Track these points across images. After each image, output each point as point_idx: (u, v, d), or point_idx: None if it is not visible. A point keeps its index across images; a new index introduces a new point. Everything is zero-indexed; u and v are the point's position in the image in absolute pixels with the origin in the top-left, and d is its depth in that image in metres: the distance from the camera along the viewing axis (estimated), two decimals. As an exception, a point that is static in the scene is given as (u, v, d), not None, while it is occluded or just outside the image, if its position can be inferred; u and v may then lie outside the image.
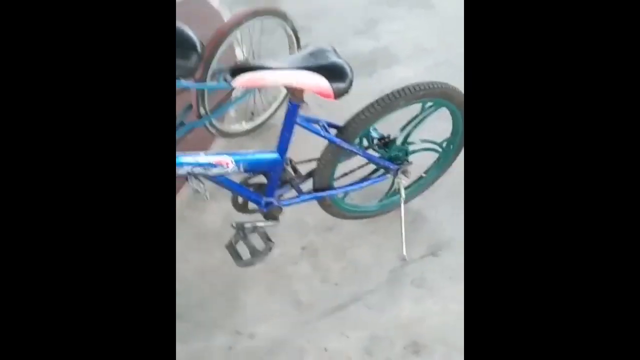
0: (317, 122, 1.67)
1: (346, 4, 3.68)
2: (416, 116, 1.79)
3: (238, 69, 1.37)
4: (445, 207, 2.13)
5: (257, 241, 1.70)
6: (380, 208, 2.03)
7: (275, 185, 1.67)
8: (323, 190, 1.79)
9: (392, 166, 1.81)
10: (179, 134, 2.12)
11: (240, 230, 1.65)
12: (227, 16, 3.64)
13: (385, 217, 2.07)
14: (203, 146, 2.47)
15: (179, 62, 1.80)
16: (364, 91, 2.59)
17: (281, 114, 2.51)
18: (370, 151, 1.81)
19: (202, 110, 2.19)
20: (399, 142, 1.82)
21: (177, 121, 2.14)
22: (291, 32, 2.36)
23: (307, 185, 1.82)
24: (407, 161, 1.85)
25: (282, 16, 2.26)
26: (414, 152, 1.93)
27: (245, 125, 2.50)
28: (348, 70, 1.44)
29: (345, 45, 3.20)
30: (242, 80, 1.35)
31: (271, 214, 1.71)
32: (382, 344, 1.71)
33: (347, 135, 1.65)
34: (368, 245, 2.02)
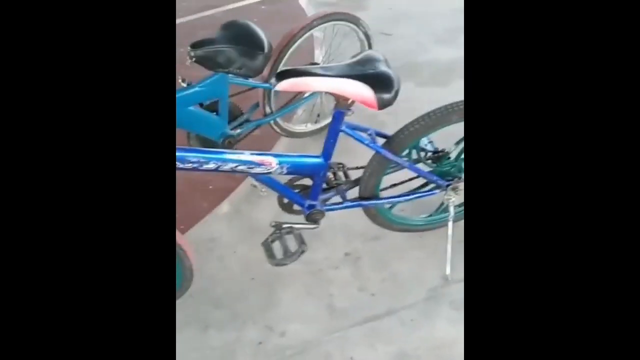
0: (365, 130, 1.66)
1: (431, 11, 3.62)
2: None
3: (284, 73, 1.40)
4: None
5: (291, 242, 1.72)
6: (427, 223, 1.98)
7: (319, 189, 1.69)
8: (368, 199, 1.78)
9: (441, 182, 1.77)
10: (244, 130, 2.21)
11: (278, 230, 1.69)
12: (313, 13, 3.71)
13: (433, 233, 2.02)
14: (268, 144, 2.54)
15: (246, 61, 1.89)
16: (435, 100, 2.54)
17: (348, 118, 2.56)
18: (422, 164, 1.77)
19: (267, 109, 2.26)
20: (452, 157, 1.77)
21: (243, 118, 2.22)
22: (363, 37, 2.36)
23: (354, 193, 1.82)
24: (459, 178, 1.79)
25: (355, 21, 2.28)
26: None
27: (310, 127, 2.54)
28: (395, 80, 1.43)
29: (425, 53, 3.15)
30: (286, 85, 1.38)
31: (312, 217, 1.73)
32: (409, 362, 1.68)
33: (394, 146, 1.63)
34: (412, 259, 1.98)
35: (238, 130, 2.19)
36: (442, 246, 1.93)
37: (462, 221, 2.02)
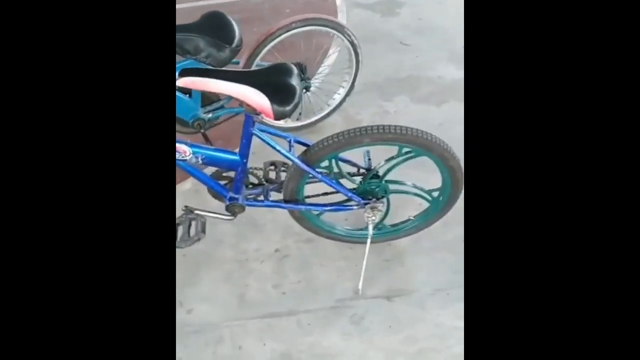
0: (285, 137, 1.73)
1: (460, 28, 3.55)
2: (392, 158, 1.75)
3: (189, 71, 1.50)
4: (427, 258, 2.04)
5: (194, 229, 1.83)
6: (348, 235, 2.02)
7: (240, 184, 1.78)
8: (289, 202, 1.85)
9: (357, 199, 1.80)
10: (216, 115, 2.32)
11: (186, 214, 1.80)
12: (343, 14, 3.75)
13: (371, 248, 2.04)
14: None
15: (213, 52, 2.00)
16: (421, 120, 2.56)
17: (333, 121, 2.62)
18: (346, 180, 1.81)
19: (241, 100, 2.36)
20: (380, 174, 1.79)
21: (218, 104, 2.34)
22: (349, 45, 2.40)
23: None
24: (379, 199, 1.82)
25: (339, 28, 2.31)
26: (397, 192, 1.88)
27: (290, 124, 2.62)
28: (296, 95, 1.48)
29: (432, 69, 3.12)
30: (186, 81, 1.47)
31: (230, 209, 1.82)
32: (290, 363, 1.75)
33: (309, 158, 1.69)
34: (333, 268, 2.03)
35: (210, 115, 2.31)
36: (370, 261, 1.97)
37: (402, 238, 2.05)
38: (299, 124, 2.64)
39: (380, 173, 1.80)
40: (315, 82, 2.65)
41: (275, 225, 2.21)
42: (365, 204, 1.81)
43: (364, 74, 3.06)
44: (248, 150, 1.68)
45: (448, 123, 2.65)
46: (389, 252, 2.07)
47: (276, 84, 1.49)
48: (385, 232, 2.04)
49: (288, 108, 1.47)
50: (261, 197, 1.87)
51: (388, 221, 2.04)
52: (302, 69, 2.43)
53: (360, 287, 1.92)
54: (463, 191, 1.81)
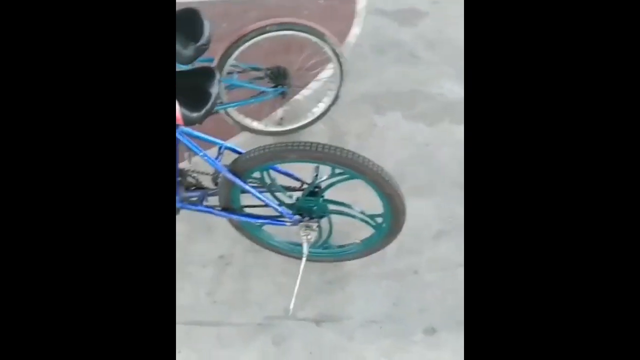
0: (216, 144, 1.67)
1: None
2: (328, 177, 1.65)
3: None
4: (371, 286, 1.93)
5: None
6: (288, 249, 1.94)
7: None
8: (226, 210, 1.79)
9: (288, 215, 1.72)
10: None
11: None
12: (361, 20, 3.66)
13: (317, 266, 1.97)
14: (226, 134, 2.61)
15: (178, 49, 1.97)
16: (407, 137, 2.45)
17: (318, 130, 2.54)
18: (281, 194, 1.74)
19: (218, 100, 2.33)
20: (308, 194, 1.71)
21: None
22: (332, 54, 2.31)
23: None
24: (312, 218, 1.73)
25: (318, 35, 2.23)
26: (338, 214, 1.79)
27: (267, 127, 2.56)
28: (209, 102, 1.42)
29: (435, 85, 2.98)
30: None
31: (164, 210, 1.79)
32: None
33: (237, 167, 1.62)
34: (273, 283, 1.96)
35: (184, 112, 2.29)
36: (311, 281, 1.89)
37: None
38: (280, 129, 2.58)
39: (319, 191, 1.71)
40: (301, 89, 2.58)
41: (227, 230, 2.15)
42: (299, 221, 1.73)
43: (364, 84, 2.97)
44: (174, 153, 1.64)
45: (435, 144, 2.51)
46: (333, 274, 1.97)
47: (191, 88, 1.43)
48: (331, 253, 1.94)
49: (196, 114, 1.41)
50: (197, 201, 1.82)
51: (337, 241, 1.94)
52: (280, 73, 2.37)
53: (291, 306, 1.83)
54: (404, 222, 1.71)
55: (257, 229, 1.91)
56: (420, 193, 2.20)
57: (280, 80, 2.38)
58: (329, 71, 2.39)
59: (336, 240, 1.95)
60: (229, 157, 1.68)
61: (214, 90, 1.45)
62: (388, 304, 1.86)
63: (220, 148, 1.68)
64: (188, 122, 1.41)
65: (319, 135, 2.62)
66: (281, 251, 1.96)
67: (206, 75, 1.48)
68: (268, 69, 2.37)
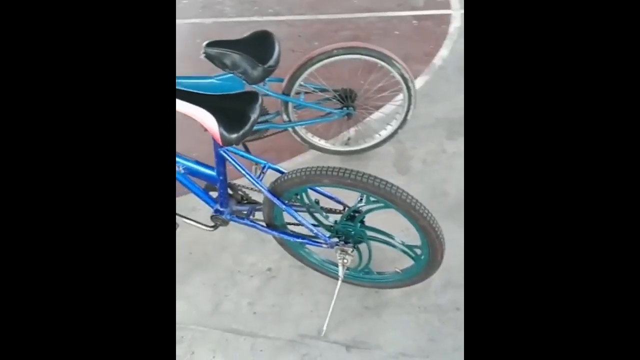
0: (258, 162, 1.74)
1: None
2: (364, 204, 1.65)
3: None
4: (409, 317, 1.89)
5: None
6: (325, 268, 1.96)
7: (223, 198, 1.84)
8: (269, 226, 1.86)
9: (323, 237, 1.74)
10: (260, 128, 2.42)
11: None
12: (451, 42, 3.60)
13: (351, 289, 1.98)
14: (294, 152, 2.70)
15: (247, 69, 2.10)
16: (432, 154, 2.40)
17: (385, 151, 2.54)
18: (319, 215, 1.77)
19: (285, 117, 2.44)
20: (346, 219, 1.72)
21: (265, 118, 2.44)
22: (399, 78, 2.31)
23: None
24: (347, 242, 1.74)
25: (386, 60, 2.24)
26: (377, 241, 1.78)
27: (337, 147, 2.61)
28: (247, 124, 1.49)
29: (450, 100, 2.85)
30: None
31: (214, 220, 1.90)
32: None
33: (276, 188, 1.68)
34: (312, 301, 1.99)
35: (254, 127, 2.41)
36: (350, 304, 1.91)
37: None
38: (346, 148, 2.61)
39: (357, 216, 1.72)
40: (369, 111, 2.59)
41: (278, 245, 2.23)
42: (335, 244, 1.74)
43: (441, 108, 2.91)
44: (222, 168, 1.73)
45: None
46: (373, 300, 1.96)
47: (231, 110, 1.51)
48: (371, 279, 1.93)
49: (235, 135, 1.48)
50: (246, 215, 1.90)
51: (380, 267, 1.93)
52: (348, 95, 2.40)
53: (324, 327, 1.85)
54: (442, 258, 1.66)
55: (299, 246, 1.95)
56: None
57: (347, 101, 2.41)
58: (399, 95, 2.38)
59: (379, 266, 1.94)
60: (273, 176, 1.74)
61: (254, 114, 1.52)
62: (423, 338, 1.81)
63: (263, 167, 1.75)
64: (225, 142, 1.49)
65: (385, 157, 2.61)
66: (319, 269, 1.99)
67: (249, 99, 1.55)
68: (336, 90, 2.42)
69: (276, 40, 2.20)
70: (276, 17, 4.23)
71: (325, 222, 1.76)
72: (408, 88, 2.34)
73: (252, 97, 1.55)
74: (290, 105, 2.39)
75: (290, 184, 1.64)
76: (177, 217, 1.91)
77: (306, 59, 2.25)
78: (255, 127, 2.38)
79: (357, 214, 1.70)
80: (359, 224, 1.72)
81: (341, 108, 2.40)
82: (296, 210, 1.71)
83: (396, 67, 2.26)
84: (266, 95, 2.32)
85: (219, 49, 2.09)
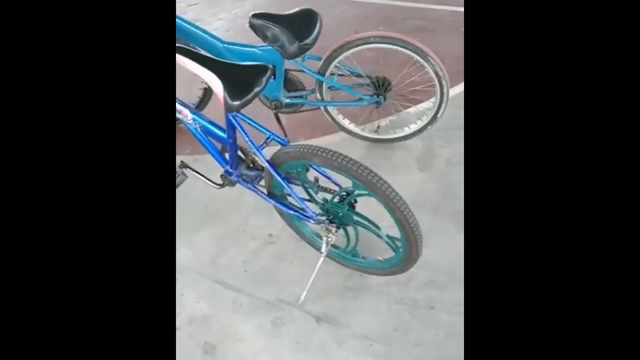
0: (264, 132, 1.85)
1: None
2: (352, 189, 1.73)
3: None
4: (382, 305, 1.96)
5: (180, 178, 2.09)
6: (309, 238, 2.08)
7: (233, 160, 1.97)
8: (269, 195, 1.99)
9: (312, 214, 1.84)
10: (294, 102, 2.53)
11: (181, 168, 2.08)
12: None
13: (346, 271, 2.07)
14: (327, 131, 2.78)
15: (284, 44, 2.21)
16: (458, 156, 2.40)
17: (413, 144, 2.57)
18: (312, 191, 1.86)
19: (318, 96, 2.53)
20: (335, 200, 1.80)
21: (300, 94, 2.54)
22: (433, 75, 2.33)
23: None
24: (336, 223, 1.82)
25: (422, 55, 2.26)
26: (362, 227, 1.86)
27: (363, 132, 2.67)
28: (250, 93, 1.60)
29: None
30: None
31: (223, 179, 2.05)
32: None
33: (275, 159, 1.79)
34: (299, 271, 2.10)
35: (288, 100, 2.53)
36: (333, 281, 2.02)
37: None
38: (374, 136, 2.67)
39: (346, 199, 1.79)
40: (401, 103, 2.62)
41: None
42: (320, 222, 1.84)
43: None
44: (232, 132, 1.86)
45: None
46: (355, 282, 2.04)
47: (240, 79, 1.62)
48: (357, 262, 2.01)
49: (236, 103, 1.60)
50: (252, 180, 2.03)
51: (367, 253, 2.01)
52: (382, 83, 2.44)
53: (302, 297, 1.96)
54: (417, 254, 1.71)
55: (294, 217, 2.06)
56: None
57: (380, 90, 2.45)
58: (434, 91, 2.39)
59: (369, 252, 2.01)
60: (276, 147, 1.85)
61: (259, 86, 1.62)
62: (389, 327, 1.87)
63: (267, 138, 1.86)
64: (227, 107, 1.61)
65: (410, 150, 2.64)
66: (310, 242, 2.09)
67: (259, 72, 1.65)
68: (371, 77, 2.46)
69: (319, 20, 2.28)
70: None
71: (317, 199, 1.85)
72: (441, 86, 2.35)
73: (261, 70, 1.65)
74: (324, 84, 2.47)
75: (287, 157, 1.74)
76: (188, 169, 2.07)
77: (343, 42, 2.32)
78: (290, 101, 2.49)
79: (346, 197, 1.78)
80: (346, 207, 1.79)
81: (372, 95, 2.45)
82: (292, 184, 1.81)
83: (430, 64, 2.28)
84: (302, 71, 2.42)
85: (262, 21, 2.21)
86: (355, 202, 1.82)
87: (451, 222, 2.22)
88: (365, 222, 1.84)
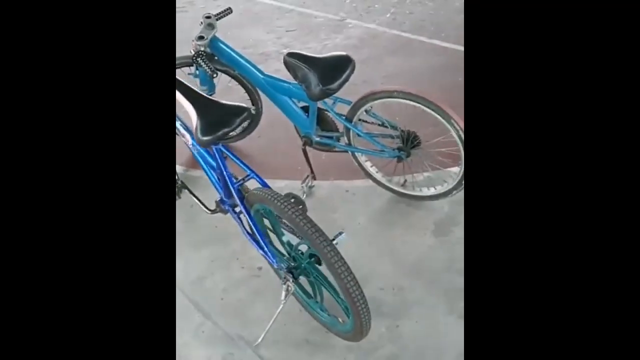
0: (245, 169, 1.88)
1: None
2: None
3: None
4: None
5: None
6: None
7: (222, 189, 2.02)
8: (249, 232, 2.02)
9: (271, 258, 1.83)
10: (324, 142, 2.54)
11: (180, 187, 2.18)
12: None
13: (315, 324, 2.01)
14: (358, 174, 2.72)
15: (309, 86, 2.25)
16: None
17: (439, 206, 2.43)
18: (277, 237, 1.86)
19: (345, 140, 2.52)
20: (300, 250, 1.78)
21: (333, 134, 2.54)
22: (457, 139, 2.20)
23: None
24: (293, 274, 1.80)
25: (445, 117, 2.16)
26: (320, 283, 1.81)
27: (389, 184, 2.59)
28: (219, 132, 1.64)
29: None
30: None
31: (215, 204, 2.11)
32: None
33: (248, 197, 1.82)
34: (272, 311, 2.01)
35: (318, 139, 2.55)
36: (295, 331, 2.00)
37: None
38: (401, 190, 2.57)
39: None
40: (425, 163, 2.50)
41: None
42: (280, 267, 1.82)
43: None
44: (218, 163, 1.91)
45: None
46: (318, 337, 1.98)
47: (215, 117, 1.67)
48: (322, 316, 1.94)
49: (205, 138, 1.65)
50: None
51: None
52: (410, 139, 2.36)
53: (260, 339, 1.95)
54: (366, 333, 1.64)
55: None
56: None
57: (407, 144, 2.37)
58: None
59: (332, 308, 1.93)
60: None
61: (229, 126, 1.65)
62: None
63: (247, 175, 1.88)
64: (197, 141, 1.67)
65: (433, 212, 2.51)
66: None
67: (235, 112, 1.69)
68: (402, 130, 2.38)
69: (350, 67, 2.25)
70: (442, 42, 4.16)
71: (282, 241, 1.84)
72: (464, 152, 2.20)
73: (238, 111, 1.69)
74: (350, 132, 2.45)
75: (255, 198, 1.76)
76: (186, 190, 2.17)
77: (369, 92, 2.28)
78: (320, 140, 2.50)
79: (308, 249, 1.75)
80: (306, 260, 1.76)
81: (394, 149, 2.37)
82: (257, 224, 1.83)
83: (454, 127, 2.15)
84: (329, 112, 2.42)
85: (295, 60, 2.25)
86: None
87: (443, 299, 2.06)
88: (323, 281, 1.78)
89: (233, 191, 1.83)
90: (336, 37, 4.38)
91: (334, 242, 1.60)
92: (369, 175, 2.61)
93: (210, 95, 2.87)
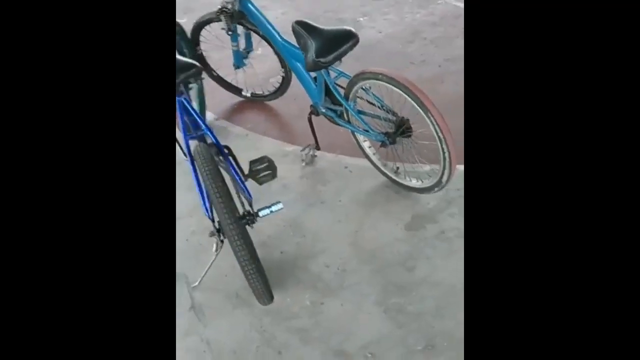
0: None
1: None
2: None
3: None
4: (242, 323, 2.00)
5: None
6: None
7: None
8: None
9: (208, 214, 1.98)
10: (328, 114, 2.57)
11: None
12: None
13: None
14: (357, 153, 2.70)
15: (307, 55, 2.30)
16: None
17: (426, 198, 2.39)
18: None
19: (345, 117, 2.53)
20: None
21: (339, 108, 2.56)
22: (435, 135, 2.12)
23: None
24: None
25: (424, 109, 2.09)
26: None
27: (383, 168, 2.55)
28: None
29: None
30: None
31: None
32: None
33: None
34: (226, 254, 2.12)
35: (324, 110, 2.59)
36: (235, 282, 2.10)
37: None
38: (393, 176, 2.51)
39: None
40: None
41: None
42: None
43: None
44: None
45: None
46: (246, 293, 2.07)
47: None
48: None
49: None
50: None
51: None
52: (400, 125, 2.30)
53: (198, 282, 2.12)
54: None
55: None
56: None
57: (395, 130, 2.32)
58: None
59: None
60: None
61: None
62: (242, 346, 1.92)
63: (201, 131, 2.02)
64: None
65: (415, 206, 2.45)
66: None
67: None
68: (395, 114, 2.32)
69: (351, 42, 2.23)
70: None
71: None
72: (442, 151, 2.12)
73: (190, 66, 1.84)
74: (349, 112, 2.44)
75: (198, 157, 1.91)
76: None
77: (360, 72, 2.26)
78: (325, 112, 2.54)
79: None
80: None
81: (380, 132, 2.34)
82: None
83: (431, 122, 2.07)
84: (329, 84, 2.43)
85: (300, 28, 2.30)
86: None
87: (378, 290, 2.06)
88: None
89: (184, 144, 1.98)
90: (418, 12, 4.22)
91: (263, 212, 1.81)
92: (366, 156, 2.59)
93: (248, 54, 3.02)
